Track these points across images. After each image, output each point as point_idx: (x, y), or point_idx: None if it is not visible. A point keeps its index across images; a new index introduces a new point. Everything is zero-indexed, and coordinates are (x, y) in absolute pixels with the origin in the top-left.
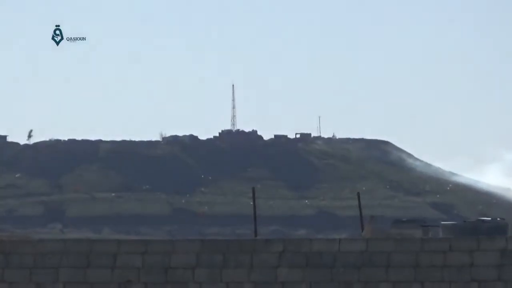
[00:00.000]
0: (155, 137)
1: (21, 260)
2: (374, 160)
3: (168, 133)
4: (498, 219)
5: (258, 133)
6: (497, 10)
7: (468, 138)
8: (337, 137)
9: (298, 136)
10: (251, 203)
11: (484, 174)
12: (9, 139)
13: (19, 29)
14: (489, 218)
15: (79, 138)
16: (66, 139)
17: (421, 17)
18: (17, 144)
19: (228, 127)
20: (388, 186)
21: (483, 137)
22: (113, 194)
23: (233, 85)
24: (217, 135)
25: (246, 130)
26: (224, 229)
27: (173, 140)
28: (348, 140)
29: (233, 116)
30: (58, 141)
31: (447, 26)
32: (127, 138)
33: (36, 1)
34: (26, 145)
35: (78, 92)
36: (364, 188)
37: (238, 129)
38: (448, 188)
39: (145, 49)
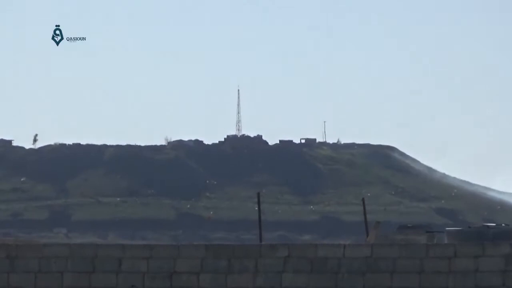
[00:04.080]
0: (160, 142)
1: (26, 264)
2: (379, 166)
3: (173, 138)
4: (503, 224)
5: (263, 138)
6: None
7: (474, 143)
8: (342, 143)
9: (303, 141)
10: (256, 208)
11: (490, 180)
12: (14, 143)
13: (19, 29)
14: (494, 224)
15: (84, 142)
16: (71, 143)
17: (430, 18)
18: (22, 148)
19: (233, 132)
20: (393, 192)
21: (490, 143)
22: (118, 199)
23: (238, 90)
24: (223, 140)
25: (251, 135)
26: (229, 234)
27: (178, 145)
28: (353, 146)
29: (238, 121)
30: (63, 145)
31: (459, 27)
32: (132, 143)
33: (36, 1)
34: (31, 150)
35: (82, 95)
36: (369, 194)
37: (243, 134)
38: (453, 194)
39: (147, 52)
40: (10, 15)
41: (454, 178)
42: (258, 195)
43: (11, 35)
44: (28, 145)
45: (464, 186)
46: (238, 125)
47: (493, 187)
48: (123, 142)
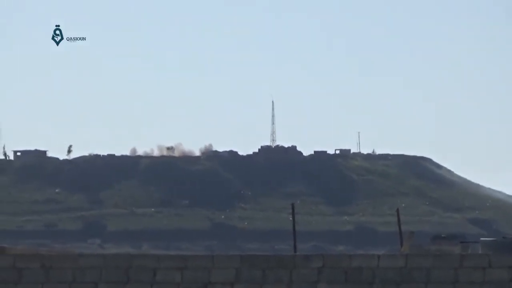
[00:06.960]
0: (195, 153)
1: (61, 275)
2: (414, 176)
3: (208, 149)
4: None
5: (298, 149)
6: None
7: (508, 153)
8: (377, 153)
9: (337, 152)
10: (291, 218)
11: None
12: (48, 154)
13: (19, 29)
14: None
15: (118, 153)
16: (105, 154)
17: (464, 30)
18: (56, 159)
19: (267, 143)
20: (427, 202)
21: None
22: (152, 210)
23: (272, 101)
24: (257, 151)
25: (286, 145)
26: (263, 245)
27: (213, 156)
28: (387, 156)
29: (273, 132)
30: (97, 156)
31: (497, 37)
32: (167, 154)
33: (36, 1)
34: (65, 160)
35: (112, 105)
36: (403, 204)
37: (278, 145)
38: (488, 204)
39: (182, 65)
40: (10, 15)
41: (489, 188)
42: (293, 205)
43: (11, 35)
44: (62, 155)
45: (498, 196)
46: (273, 136)
47: None
48: (157, 153)
